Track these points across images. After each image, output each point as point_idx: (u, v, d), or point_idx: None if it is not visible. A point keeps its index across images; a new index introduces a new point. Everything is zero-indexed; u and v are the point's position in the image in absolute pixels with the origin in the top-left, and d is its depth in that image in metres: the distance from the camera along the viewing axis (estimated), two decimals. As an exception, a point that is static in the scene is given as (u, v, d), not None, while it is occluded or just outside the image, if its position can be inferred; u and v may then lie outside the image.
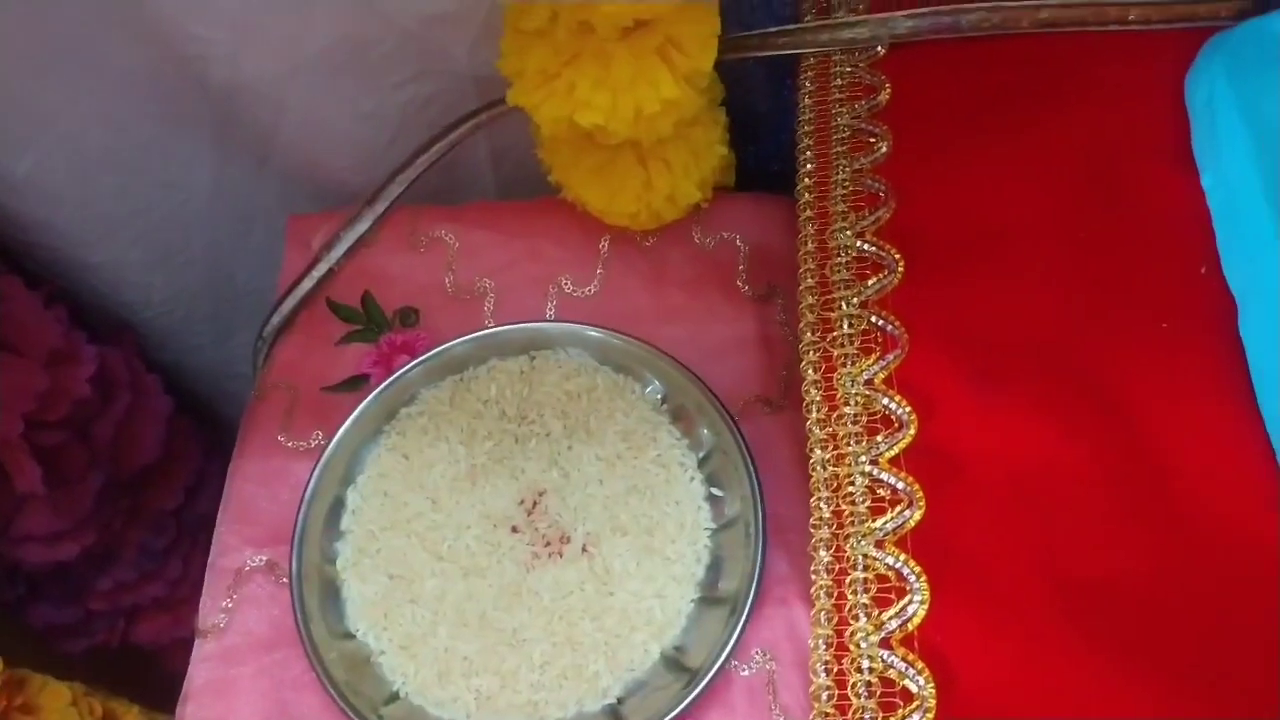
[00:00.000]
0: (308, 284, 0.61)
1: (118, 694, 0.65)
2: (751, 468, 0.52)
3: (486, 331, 0.58)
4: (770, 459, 0.54)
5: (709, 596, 0.52)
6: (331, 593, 0.53)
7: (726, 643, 0.49)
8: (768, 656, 0.50)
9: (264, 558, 0.54)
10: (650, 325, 0.58)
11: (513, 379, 0.58)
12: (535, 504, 0.54)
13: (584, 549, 0.53)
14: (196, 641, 0.52)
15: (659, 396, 0.57)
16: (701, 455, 0.55)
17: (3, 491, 0.58)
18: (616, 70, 0.47)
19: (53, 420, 0.58)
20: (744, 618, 0.49)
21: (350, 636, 0.52)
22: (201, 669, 0.51)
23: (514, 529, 0.54)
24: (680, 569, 0.52)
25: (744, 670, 0.49)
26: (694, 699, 0.48)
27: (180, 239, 0.70)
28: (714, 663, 0.48)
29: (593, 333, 0.57)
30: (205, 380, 0.79)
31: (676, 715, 0.48)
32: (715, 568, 0.52)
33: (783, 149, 0.62)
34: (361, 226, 0.62)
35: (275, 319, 0.61)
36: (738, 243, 0.61)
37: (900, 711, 0.40)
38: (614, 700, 0.50)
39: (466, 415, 0.56)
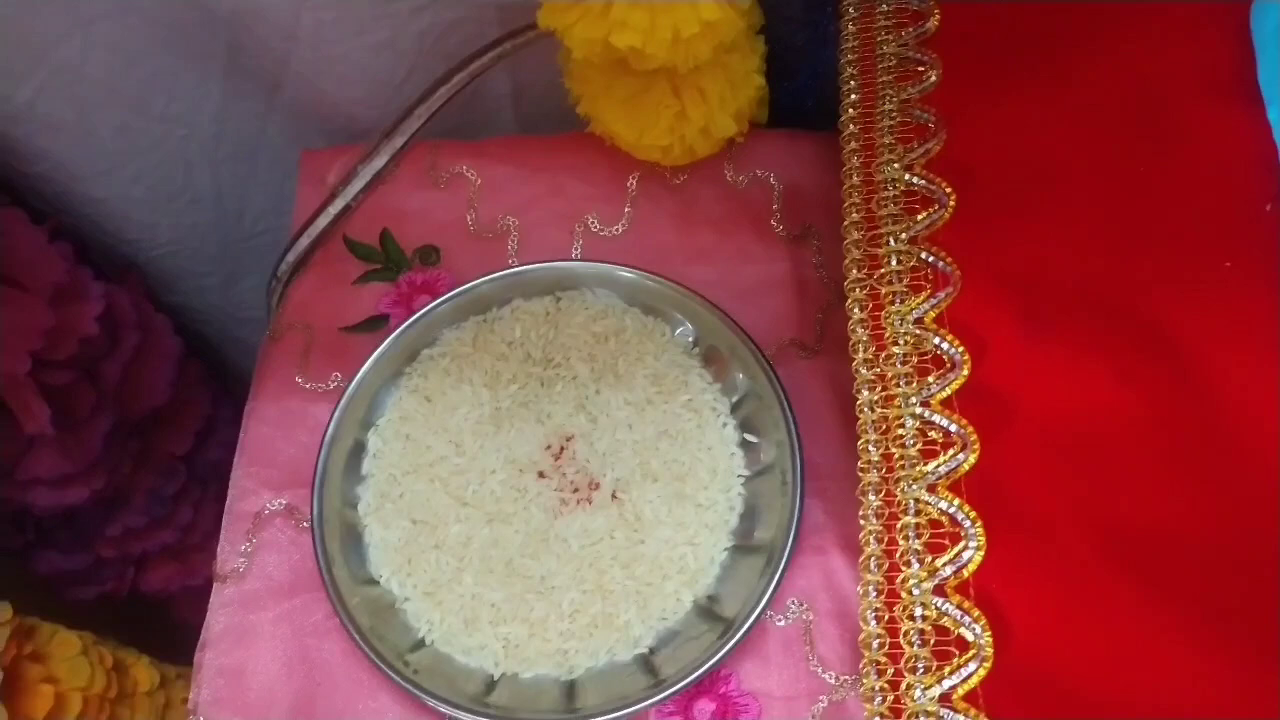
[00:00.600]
0: (323, 221, 0.58)
1: (127, 644, 0.64)
2: (789, 412, 0.51)
3: (513, 270, 0.56)
4: (805, 405, 0.52)
5: (743, 545, 0.50)
6: (353, 538, 0.51)
7: (764, 592, 0.47)
8: (804, 607, 0.48)
9: (283, 501, 0.52)
10: (679, 265, 0.56)
11: (538, 320, 0.56)
12: (563, 449, 0.53)
13: (613, 495, 0.51)
14: (215, 586, 0.50)
15: (690, 339, 0.55)
16: (734, 400, 0.53)
17: (9, 433, 0.57)
18: (655, -12, 0.44)
19: (60, 359, 0.56)
20: (782, 567, 0.48)
21: (373, 583, 0.50)
22: (220, 614, 0.50)
23: (540, 474, 0.52)
24: (713, 516, 0.51)
25: (779, 620, 0.48)
26: (730, 649, 0.46)
27: (185, 175, 0.67)
28: (750, 613, 0.47)
29: (625, 273, 0.55)
30: (214, 324, 0.77)
31: (711, 666, 0.46)
32: (749, 516, 0.51)
33: (819, 84, 0.60)
34: (379, 162, 0.59)
35: (290, 257, 0.58)
36: (771, 181, 0.59)
37: (955, 660, 0.38)
38: (645, 650, 0.49)
39: (490, 357, 0.55)
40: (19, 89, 0.57)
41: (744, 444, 0.52)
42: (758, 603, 0.47)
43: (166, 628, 0.74)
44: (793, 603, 0.48)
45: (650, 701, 0.46)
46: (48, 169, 0.62)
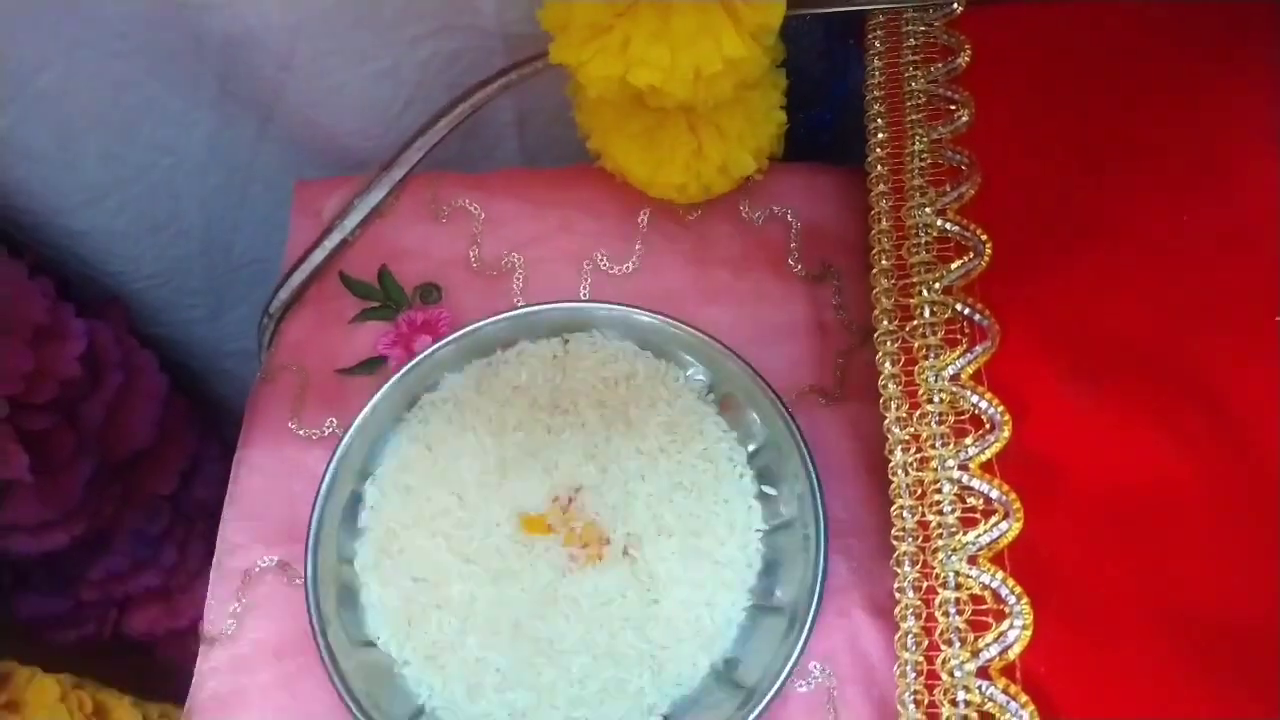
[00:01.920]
0: (319, 255, 0.56)
1: (109, 684, 0.62)
2: (810, 463, 0.48)
3: (521, 311, 0.53)
4: (825, 456, 0.49)
5: (762, 604, 0.48)
6: (349, 597, 0.48)
7: (787, 658, 0.45)
8: (827, 672, 0.46)
9: (275, 558, 0.49)
10: (693, 306, 0.54)
11: (544, 364, 0.53)
12: (571, 501, 0.50)
13: (625, 551, 0.49)
14: (202, 649, 0.48)
15: (704, 384, 0.52)
16: (751, 450, 0.51)
17: (-14, 479, 0.54)
18: (676, 23, 0.42)
19: (39, 403, 0.54)
20: (806, 631, 0.45)
21: (370, 645, 0.48)
22: (209, 679, 0.47)
23: (548, 528, 0.49)
24: (730, 574, 0.48)
25: (801, 686, 0.46)
26: (751, 720, 0.44)
27: (172, 206, 0.65)
28: (773, 681, 0.44)
29: (642, 316, 0.52)
30: (200, 356, 0.74)
31: (732, 739, 0.44)
32: (768, 573, 0.49)
33: (836, 117, 0.58)
34: (377, 194, 0.57)
35: (283, 294, 0.56)
36: (789, 218, 0.57)
37: (1003, 751, 0.36)
38: (660, 718, 0.46)
39: (494, 403, 0.52)
40: (-2, 118, 0.54)
41: (762, 496, 0.50)
42: (781, 670, 0.45)
43: (150, 665, 0.71)
44: (815, 667, 0.46)
45: (668, 778, 0.43)
46: (27, 200, 0.59)
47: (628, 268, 0.56)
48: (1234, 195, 0.43)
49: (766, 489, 0.50)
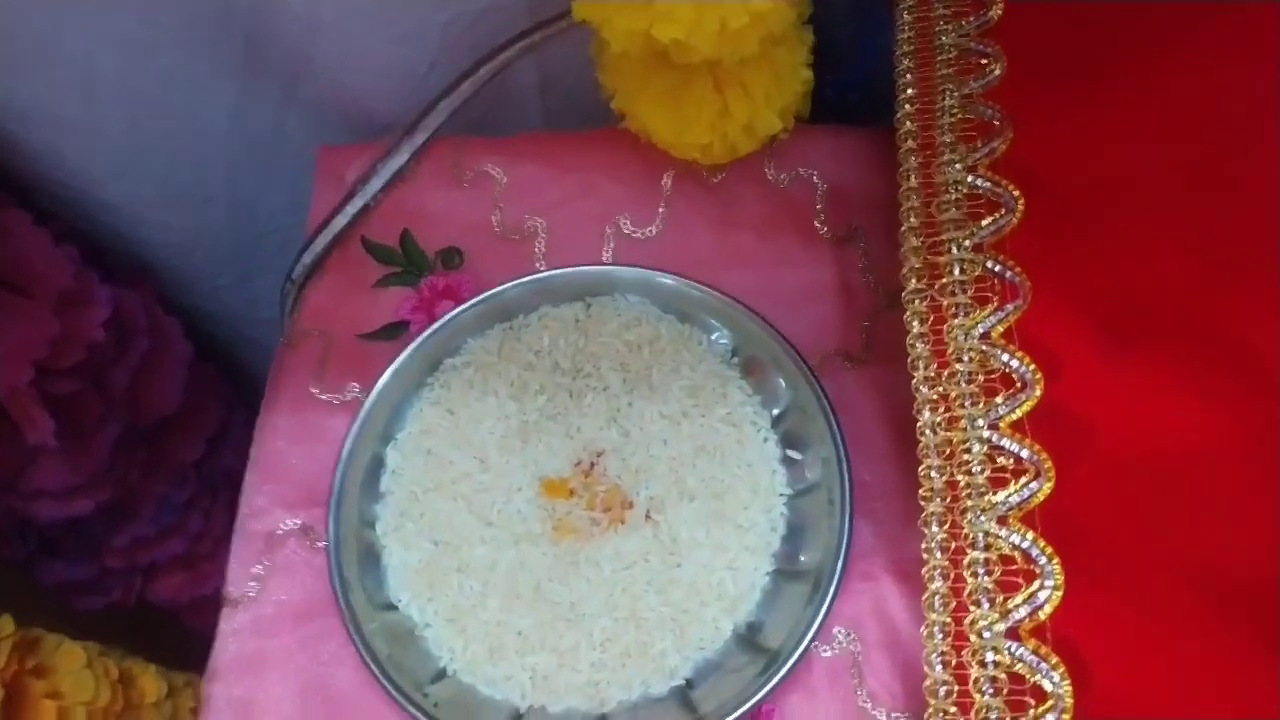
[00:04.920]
0: (341, 221, 0.55)
1: (134, 653, 0.62)
2: (836, 427, 0.48)
3: (543, 274, 0.52)
4: (851, 419, 0.49)
5: (786, 569, 0.47)
6: (371, 559, 0.48)
7: (811, 622, 0.44)
8: (852, 637, 0.45)
9: (298, 521, 0.49)
10: (717, 270, 0.53)
11: (567, 328, 0.53)
12: (593, 465, 0.50)
13: (647, 515, 0.48)
14: (224, 611, 0.48)
15: (728, 348, 0.52)
16: (776, 413, 0.50)
17: (13, 444, 0.54)
18: (701, -25, 0.41)
19: (65, 368, 0.54)
20: (831, 593, 0.45)
21: (392, 608, 0.48)
22: (231, 642, 0.47)
23: (570, 492, 0.49)
24: (754, 538, 0.48)
25: (825, 651, 0.45)
26: (775, 685, 0.43)
27: (198, 173, 0.64)
28: (796, 644, 0.44)
29: (665, 279, 0.51)
30: (226, 325, 0.74)
31: (755, 703, 0.43)
32: (792, 538, 0.48)
33: (865, 76, 0.56)
34: (400, 159, 0.56)
35: (306, 259, 0.55)
36: (815, 180, 0.56)
37: (1032, 712, 0.35)
38: (682, 681, 0.46)
39: (517, 367, 0.52)
40: (24, 85, 0.54)
41: (786, 460, 0.49)
42: (804, 633, 0.44)
43: (175, 634, 0.72)
44: (839, 632, 0.46)
45: (689, 741, 0.43)
46: (53, 168, 0.59)
47: (651, 231, 0.55)
48: (1271, 152, 0.41)
49: (791, 453, 0.49)
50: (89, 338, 0.54)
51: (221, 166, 0.65)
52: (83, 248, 0.58)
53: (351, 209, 0.56)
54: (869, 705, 0.44)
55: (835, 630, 0.46)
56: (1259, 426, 0.37)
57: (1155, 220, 0.41)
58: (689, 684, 0.46)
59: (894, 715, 0.43)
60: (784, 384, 0.50)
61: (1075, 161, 0.43)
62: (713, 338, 0.52)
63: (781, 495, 0.49)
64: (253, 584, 0.48)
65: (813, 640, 0.44)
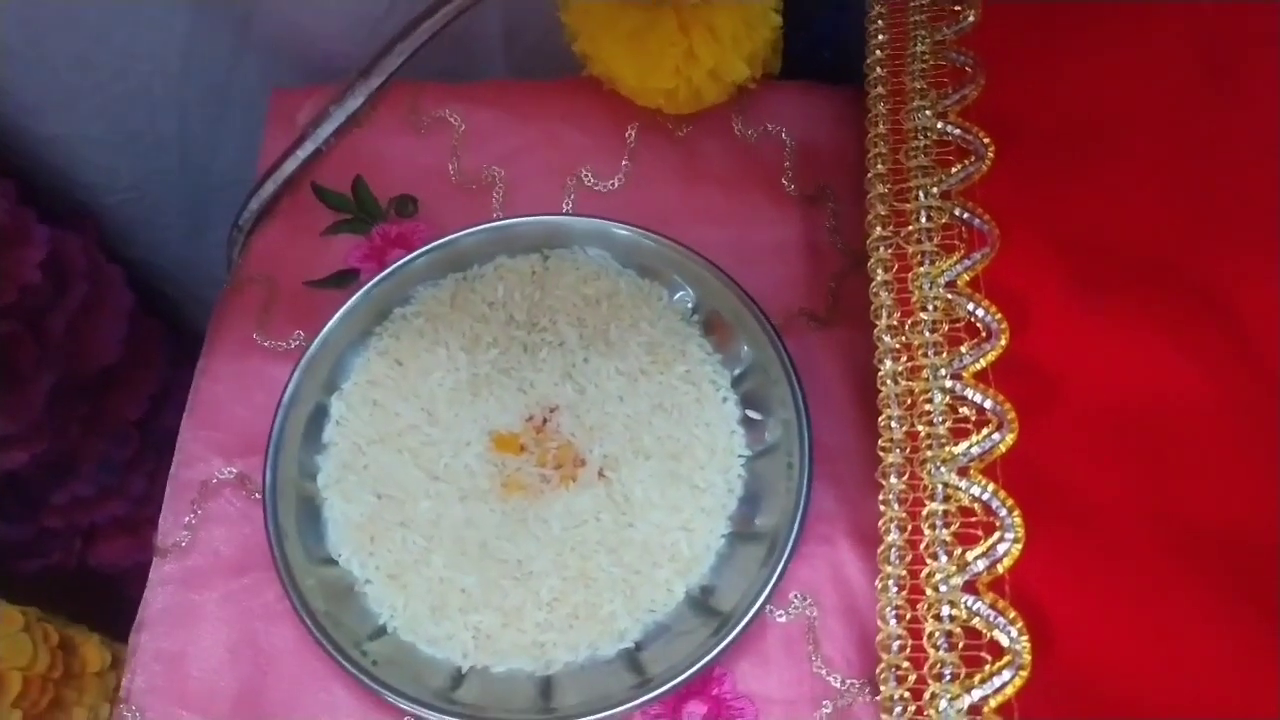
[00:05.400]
0: (291, 165, 0.53)
1: (76, 621, 0.60)
2: (797, 388, 0.46)
3: (497, 224, 0.51)
4: (814, 380, 0.47)
5: (742, 532, 0.46)
6: (311, 512, 0.46)
7: (764, 584, 0.43)
8: (808, 601, 0.44)
9: (234, 470, 0.47)
10: (681, 225, 0.51)
11: (523, 279, 0.51)
12: (545, 421, 0.48)
13: (600, 474, 0.47)
14: (155, 561, 0.46)
15: (689, 305, 0.50)
16: (737, 373, 0.49)
17: (-60, 388, 0.52)
18: (666, -96, 0.39)
19: (-3, 307, 0.51)
20: (785, 556, 0.43)
21: (331, 562, 0.46)
22: (159, 593, 0.45)
23: (521, 448, 0.47)
24: (710, 499, 0.46)
25: (780, 616, 0.44)
26: (725, 647, 0.42)
27: (149, 115, 0.62)
28: (749, 607, 0.42)
29: (620, 230, 0.50)
30: (175, 281, 0.71)
31: (704, 665, 0.41)
32: (750, 500, 0.46)
33: (837, 34, 0.55)
34: (354, 102, 0.54)
35: (253, 204, 0.53)
36: (783, 136, 0.54)
37: (987, 668, 0.34)
38: (631, 645, 0.44)
39: (469, 318, 0.50)
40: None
41: (746, 421, 0.48)
42: (757, 596, 0.43)
43: (120, 604, 0.69)
44: (795, 596, 0.44)
45: (635, 703, 0.41)
46: (-9, 99, 0.56)
47: (614, 184, 0.54)
48: (1249, 103, 0.40)
49: (752, 414, 0.48)
50: (23, 277, 0.52)
51: (174, 110, 0.63)
52: (22, 186, 0.55)
53: (302, 153, 0.54)
54: (824, 671, 0.43)
55: (791, 595, 0.44)
56: (1232, 378, 0.36)
57: (1130, 169, 0.40)
58: (638, 646, 0.44)
59: (849, 682, 0.42)
60: (746, 344, 0.48)
61: (1049, 108, 0.42)
62: (676, 296, 0.50)
63: (740, 456, 0.47)
64: (184, 533, 0.46)
65: (765, 602, 0.42)
